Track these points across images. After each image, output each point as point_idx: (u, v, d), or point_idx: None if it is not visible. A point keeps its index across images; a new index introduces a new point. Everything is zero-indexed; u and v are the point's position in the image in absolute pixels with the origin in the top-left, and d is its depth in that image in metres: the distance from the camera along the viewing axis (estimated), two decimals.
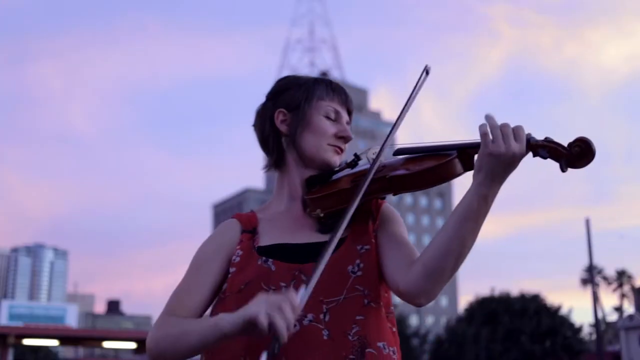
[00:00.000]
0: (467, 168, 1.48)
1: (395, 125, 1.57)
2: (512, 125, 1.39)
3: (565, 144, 1.37)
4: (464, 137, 1.53)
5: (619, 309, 61.41)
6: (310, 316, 1.48)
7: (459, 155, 1.46)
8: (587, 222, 26.05)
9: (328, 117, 1.64)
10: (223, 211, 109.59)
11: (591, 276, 32.34)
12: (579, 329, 37.53)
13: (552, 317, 35.87)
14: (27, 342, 28.59)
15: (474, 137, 1.44)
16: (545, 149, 1.38)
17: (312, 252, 1.51)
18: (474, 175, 1.42)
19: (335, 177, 1.61)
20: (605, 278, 61.70)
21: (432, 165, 1.46)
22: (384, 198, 1.63)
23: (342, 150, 1.66)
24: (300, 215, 1.62)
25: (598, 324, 26.86)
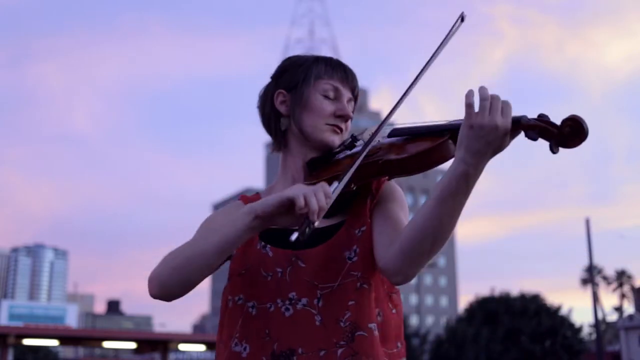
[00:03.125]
0: None
1: (411, 85, 1.50)
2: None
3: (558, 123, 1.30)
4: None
5: (619, 309, 61.43)
6: (304, 300, 1.47)
7: (452, 137, 1.40)
8: (587, 222, 26.04)
9: (326, 96, 1.60)
10: None
11: (591, 276, 32.31)
12: (579, 329, 37.49)
13: (552, 317, 35.85)
14: (27, 342, 28.56)
15: None
16: (536, 129, 1.31)
17: (310, 238, 1.47)
18: (455, 152, 1.33)
19: (334, 159, 1.58)
20: (605, 278, 61.72)
21: (424, 148, 1.41)
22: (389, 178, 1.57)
23: (341, 130, 1.62)
24: None
25: (598, 324, 26.83)
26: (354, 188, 1.50)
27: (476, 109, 1.31)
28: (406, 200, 1.61)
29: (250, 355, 1.48)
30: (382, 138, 1.52)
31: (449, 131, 1.41)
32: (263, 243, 1.55)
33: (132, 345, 29.52)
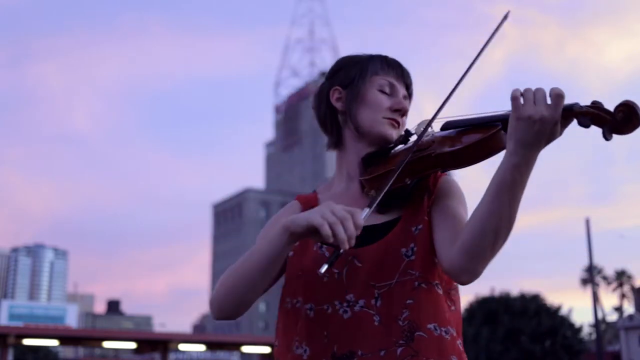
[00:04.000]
0: None
1: (461, 79, 1.50)
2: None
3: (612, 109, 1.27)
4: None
5: (619, 309, 61.38)
6: (361, 302, 1.46)
7: (505, 127, 1.37)
8: (587, 222, 26.03)
9: (383, 91, 1.60)
10: (223, 211, 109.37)
11: (591, 276, 32.31)
12: (579, 329, 37.44)
13: (552, 317, 35.79)
14: (27, 342, 28.55)
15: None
16: (588, 116, 1.28)
17: (367, 235, 1.45)
18: (507, 143, 1.32)
19: (389, 154, 1.57)
20: (605, 278, 61.65)
21: (477, 140, 1.40)
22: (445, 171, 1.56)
23: (398, 124, 1.61)
24: (358, 196, 1.58)
25: (598, 324, 26.83)
26: (408, 182, 1.49)
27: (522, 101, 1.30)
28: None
29: (310, 357, 1.47)
30: (434, 132, 1.51)
31: (501, 121, 1.40)
32: (319, 244, 1.54)
33: (132, 345, 29.50)
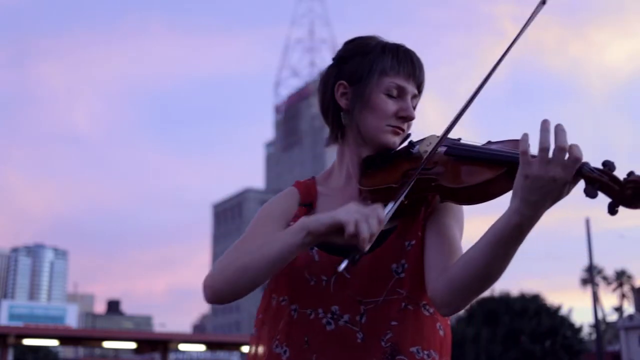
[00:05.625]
0: None
1: (487, 77, 1.42)
2: (565, 145, 1.18)
3: (621, 178, 1.17)
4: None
5: (619, 309, 61.36)
6: (346, 317, 1.44)
7: (509, 171, 1.30)
8: (587, 222, 26.01)
9: (390, 95, 1.52)
10: (223, 211, 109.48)
11: (591, 276, 32.31)
12: (579, 329, 37.44)
13: (552, 317, 35.78)
14: (27, 342, 28.55)
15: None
16: (597, 184, 1.18)
17: None
18: (511, 199, 1.25)
19: (389, 161, 1.53)
20: (605, 278, 61.63)
21: (478, 182, 1.33)
22: None
23: (403, 130, 1.54)
24: (355, 197, 1.53)
25: (598, 324, 26.82)
26: (406, 203, 1.43)
27: (534, 150, 1.21)
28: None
29: None
30: (440, 148, 1.44)
31: (507, 164, 1.31)
32: None
33: (132, 345, 29.50)
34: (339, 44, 1.64)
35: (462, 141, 1.46)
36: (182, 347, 29.24)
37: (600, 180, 1.18)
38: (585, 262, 58.82)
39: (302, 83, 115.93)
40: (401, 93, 1.53)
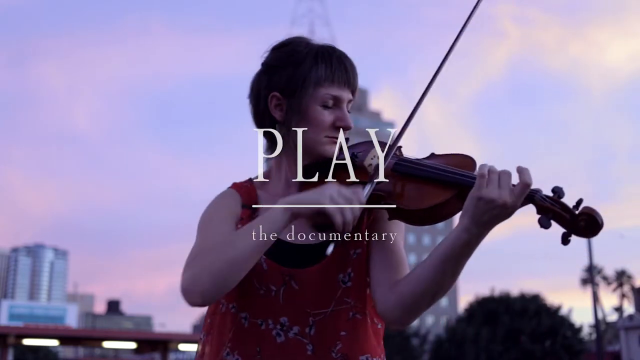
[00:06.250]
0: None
1: (427, 88, 1.47)
2: (516, 179, 1.28)
3: (571, 206, 1.24)
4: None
5: (619, 309, 61.42)
6: (296, 329, 1.44)
7: (459, 194, 1.34)
8: None
9: (325, 106, 1.50)
10: None
11: (591, 276, 32.32)
12: (579, 329, 37.45)
13: (552, 317, 35.80)
14: (27, 342, 28.58)
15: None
16: (549, 213, 1.25)
17: (305, 256, 1.46)
18: (460, 217, 1.32)
19: (329, 167, 1.49)
20: (605, 278, 61.69)
21: (427, 206, 1.35)
22: None
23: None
24: None
25: (598, 324, 26.84)
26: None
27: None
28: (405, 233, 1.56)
29: None
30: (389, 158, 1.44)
31: (457, 186, 1.35)
32: None
33: (132, 345, 29.53)
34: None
35: (405, 154, 1.47)
36: (182, 347, 29.23)
37: (553, 210, 1.25)
38: (585, 262, 58.97)
39: None
40: (337, 102, 1.51)
